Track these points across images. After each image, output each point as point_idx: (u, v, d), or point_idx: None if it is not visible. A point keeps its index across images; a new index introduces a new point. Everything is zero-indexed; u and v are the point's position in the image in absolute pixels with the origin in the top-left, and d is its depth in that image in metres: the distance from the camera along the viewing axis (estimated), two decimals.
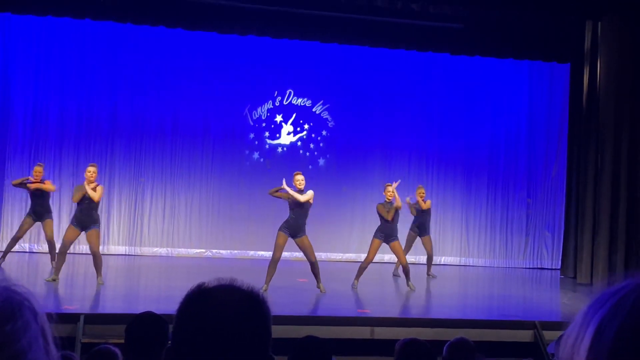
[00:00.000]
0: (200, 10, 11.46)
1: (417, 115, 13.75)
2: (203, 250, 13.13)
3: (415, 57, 13.33)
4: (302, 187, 9.33)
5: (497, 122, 14.00)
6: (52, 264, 10.04)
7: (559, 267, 13.11)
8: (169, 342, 1.28)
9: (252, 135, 13.41)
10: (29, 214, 10.25)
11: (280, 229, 9.33)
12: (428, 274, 11.49)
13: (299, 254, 13.18)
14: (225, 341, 1.19)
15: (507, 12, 11.52)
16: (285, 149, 13.52)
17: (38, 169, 10.21)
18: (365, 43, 12.49)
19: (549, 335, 7.34)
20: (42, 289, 8.43)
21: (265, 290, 8.81)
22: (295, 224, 9.21)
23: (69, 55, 12.54)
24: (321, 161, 13.60)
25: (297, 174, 9.51)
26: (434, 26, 12.06)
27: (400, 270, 10.97)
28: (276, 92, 13.46)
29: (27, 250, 12.33)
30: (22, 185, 10.32)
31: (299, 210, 9.23)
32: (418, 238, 11.38)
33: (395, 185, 9.97)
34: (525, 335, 7.66)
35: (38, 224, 10.36)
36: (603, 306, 0.85)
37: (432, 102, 13.77)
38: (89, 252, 12.45)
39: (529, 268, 13.84)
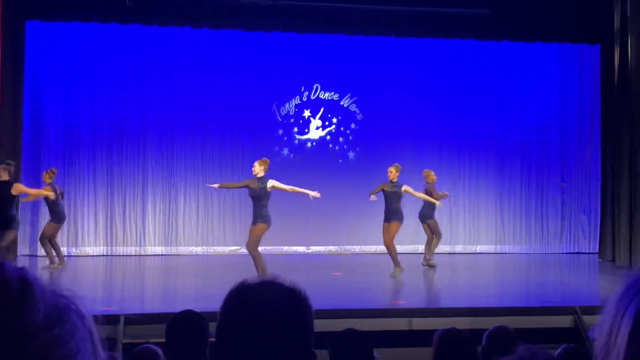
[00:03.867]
0: (225, 9, 11.51)
1: (447, 103, 13.65)
2: (238, 247, 13.20)
3: (443, 45, 13.22)
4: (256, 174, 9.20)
5: (528, 107, 13.85)
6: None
7: (596, 250, 12.94)
8: (212, 338, 1.30)
9: (280, 132, 13.44)
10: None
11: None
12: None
13: (333, 248, 13.24)
14: (268, 337, 1.21)
15: None
16: (314, 143, 13.53)
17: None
18: (391, 33, 12.42)
19: (589, 320, 7.25)
20: (80, 291, 8.54)
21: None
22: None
23: (97, 60, 12.67)
24: (351, 154, 13.58)
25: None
26: (460, 13, 11.96)
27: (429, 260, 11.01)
28: (303, 87, 13.47)
29: (65, 254, 12.52)
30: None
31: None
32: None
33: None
34: (565, 321, 7.58)
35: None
36: (637, 294, 0.84)
37: (461, 90, 13.66)
38: (126, 254, 12.68)
39: (566, 253, 13.68)
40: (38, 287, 0.72)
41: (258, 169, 9.27)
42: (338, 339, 3.46)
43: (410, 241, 13.59)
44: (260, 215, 9.23)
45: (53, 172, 10.49)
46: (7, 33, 10.14)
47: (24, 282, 0.72)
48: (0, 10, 9.92)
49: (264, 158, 9.63)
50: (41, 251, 12.41)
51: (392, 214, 10.12)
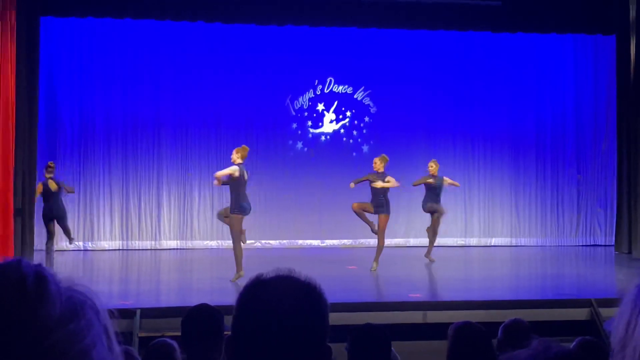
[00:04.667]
0: (237, 3, 11.51)
1: (461, 96, 13.59)
2: (252, 241, 13.21)
3: (456, 38, 13.16)
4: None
5: (542, 99, 13.76)
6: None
7: (612, 243, 12.86)
8: (227, 332, 1.31)
9: (294, 125, 13.45)
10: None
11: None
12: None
13: (348, 241, 13.24)
14: (283, 331, 1.21)
15: None
16: (328, 137, 13.52)
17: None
18: (404, 26, 12.37)
19: (605, 312, 7.21)
20: (97, 285, 8.62)
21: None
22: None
23: (112, 55, 12.73)
24: (365, 148, 13.57)
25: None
26: (473, 4, 11.89)
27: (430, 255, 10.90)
28: (317, 81, 13.46)
29: (81, 249, 12.62)
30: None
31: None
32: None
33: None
34: (581, 314, 7.55)
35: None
36: None
37: (475, 82, 13.60)
38: (141, 248, 12.76)
39: (582, 245, 13.61)
40: (54, 283, 0.73)
41: (239, 156, 9.09)
42: (356, 333, 3.46)
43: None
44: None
45: (52, 167, 10.34)
46: (21, 29, 10.19)
47: (40, 278, 0.72)
48: (14, 6, 9.98)
49: (243, 145, 9.42)
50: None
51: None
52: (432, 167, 10.97)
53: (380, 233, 9.95)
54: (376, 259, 9.94)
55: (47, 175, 9.85)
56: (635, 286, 0.86)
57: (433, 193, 10.98)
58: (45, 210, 9.80)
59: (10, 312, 0.69)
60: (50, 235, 9.85)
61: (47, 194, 9.76)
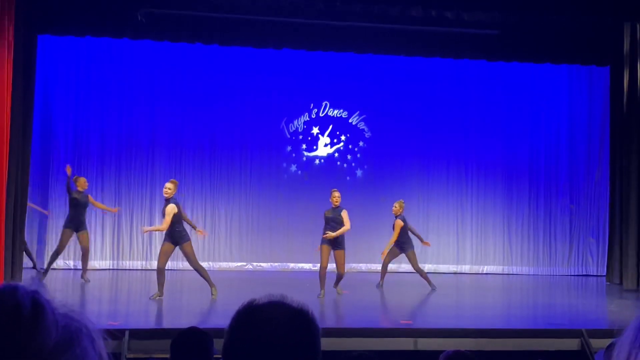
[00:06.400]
0: (235, 25, 11.57)
1: (455, 123, 13.65)
2: (244, 264, 13.19)
3: (452, 65, 13.25)
4: None
5: (536, 128, 13.84)
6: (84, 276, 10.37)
7: (604, 273, 12.86)
8: (217, 356, 1.30)
9: (289, 148, 13.47)
10: (68, 226, 10.61)
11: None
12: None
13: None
14: (275, 357, 1.21)
15: (544, 16, 11.39)
16: (322, 160, 13.54)
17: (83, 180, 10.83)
18: (401, 52, 12.45)
19: (596, 343, 7.19)
20: (86, 305, 8.55)
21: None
22: None
23: (108, 74, 12.76)
24: (359, 172, 13.59)
25: None
26: (469, 33, 11.97)
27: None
28: (312, 105, 13.50)
29: (72, 268, 12.53)
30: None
31: None
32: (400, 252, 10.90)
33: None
34: (572, 344, 7.53)
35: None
36: None
37: (470, 110, 13.67)
38: (132, 268, 12.69)
39: (574, 275, 13.60)
40: (50, 311, 0.72)
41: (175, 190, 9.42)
42: None
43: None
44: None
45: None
46: (18, 47, 10.20)
47: (36, 306, 0.72)
48: (12, 24, 10.00)
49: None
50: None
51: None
52: (402, 208, 10.79)
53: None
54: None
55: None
56: (636, 319, 0.86)
57: (406, 232, 10.84)
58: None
59: (4, 341, 0.68)
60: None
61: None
